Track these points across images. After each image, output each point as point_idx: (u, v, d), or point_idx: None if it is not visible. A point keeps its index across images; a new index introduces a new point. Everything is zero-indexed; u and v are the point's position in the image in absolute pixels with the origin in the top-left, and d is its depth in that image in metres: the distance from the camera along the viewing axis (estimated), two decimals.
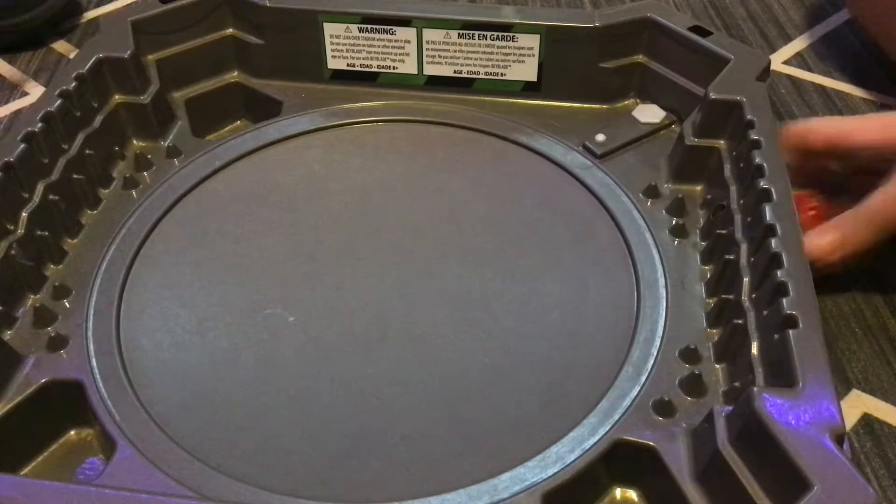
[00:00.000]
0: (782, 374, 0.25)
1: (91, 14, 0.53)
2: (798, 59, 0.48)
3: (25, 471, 0.28)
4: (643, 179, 0.36)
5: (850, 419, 0.31)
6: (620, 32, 0.39)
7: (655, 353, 0.29)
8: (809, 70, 0.47)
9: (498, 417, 0.28)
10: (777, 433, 0.23)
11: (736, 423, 0.24)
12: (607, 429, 0.27)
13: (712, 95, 0.35)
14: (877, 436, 0.30)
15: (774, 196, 0.30)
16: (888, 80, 0.46)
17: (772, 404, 0.23)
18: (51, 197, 0.33)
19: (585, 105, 0.41)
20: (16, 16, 0.48)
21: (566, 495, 0.26)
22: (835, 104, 0.45)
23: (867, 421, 0.31)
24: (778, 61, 0.48)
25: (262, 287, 0.33)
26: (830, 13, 0.51)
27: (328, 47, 0.41)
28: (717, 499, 0.25)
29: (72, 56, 0.48)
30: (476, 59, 0.40)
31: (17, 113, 0.45)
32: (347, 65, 0.41)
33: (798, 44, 0.49)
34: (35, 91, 0.47)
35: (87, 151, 0.35)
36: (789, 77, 0.47)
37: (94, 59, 0.37)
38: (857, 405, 0.31)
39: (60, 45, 0.50)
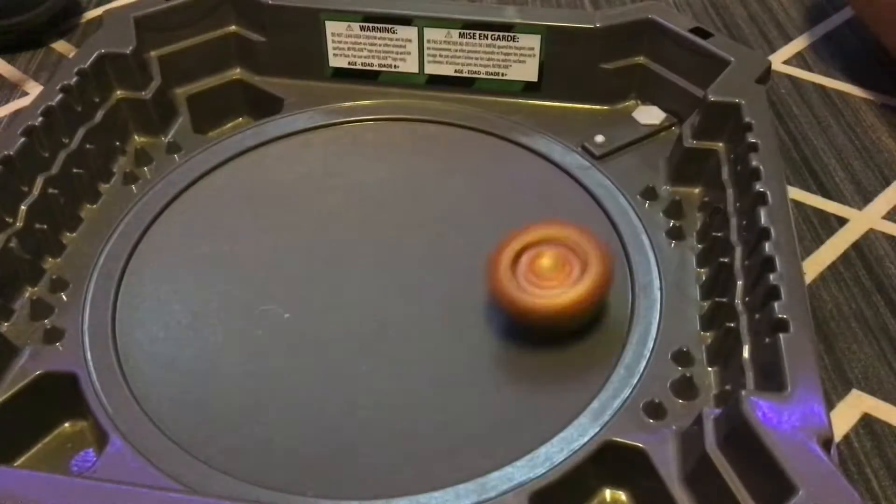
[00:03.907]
0: (772, 378, 0.25)
1: (91, 14, 0.53)
2: (798, 59, 0.48)
3: (19, 462, 0.28)
4: (641, 181, 0.36)
5: (850, 419, 0.31)
6: (621, 33, 0.39)
7: (648, 355, 0.29)
8: (809, 70, 0.47)
9: (488, 416, 0.28)
10: (764, 437, 0.23)
11: (724, 426, 0.24)
12: (597, 430, 0.27)
13: (711, 97, 0.35)
14: (877, 436, 0.30)
15: (770, 199, 0.30)
16: (888, 80, 0.46)
17: (760, 408, 0.23)
18: (50, 191, 0.33)
19: (585, 106, 0.41)
20: (16, 16, 0.48)
21: (554, 496, 0.26)
22: (835, 104, 0.45)
23: (867, 421, 0.31)
24: (778, 61, 0.48)
25: (258, 283, 0.33)
26: (830, 13, 0.51)
27: (330, 45, 0.41)
28: (705, 501, 0.25)
29: (72, 56, 0.49)
30: (477, 58, 0.40)
31: (16, 113, 0.45)
32: (349, 63, 0.42)
33: (798, 44, 0.49)
34: (35, 91, 0.47)
35: (88, 146, 0.36)
36: (789, 77, 0.47)
37: (95, 54, 0.37)
38: (857, 405, 0.31)
39: (60, 45, 0.50)
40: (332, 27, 0.41)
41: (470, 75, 0.41)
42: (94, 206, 0.36)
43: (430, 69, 0.41)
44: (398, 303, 0.32)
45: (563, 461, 0.26)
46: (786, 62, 0.48)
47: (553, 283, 0.29)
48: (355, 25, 0.41)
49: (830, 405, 0.31)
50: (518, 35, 0.40)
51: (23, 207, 0.32)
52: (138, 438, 0.27)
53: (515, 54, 0.40)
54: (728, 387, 0.28)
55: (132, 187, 0.37)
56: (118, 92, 0.38)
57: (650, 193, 0.36)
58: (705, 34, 0.38)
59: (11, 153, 0.32)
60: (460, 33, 0.40)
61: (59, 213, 0.34)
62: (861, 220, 0.39)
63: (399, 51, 0.41)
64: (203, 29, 0.41)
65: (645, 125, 0.39)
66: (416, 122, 0.40)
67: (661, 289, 0.32)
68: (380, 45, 0.41)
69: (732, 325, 0.28)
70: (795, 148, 0.42)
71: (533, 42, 0.40)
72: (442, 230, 0.35)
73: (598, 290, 0.29)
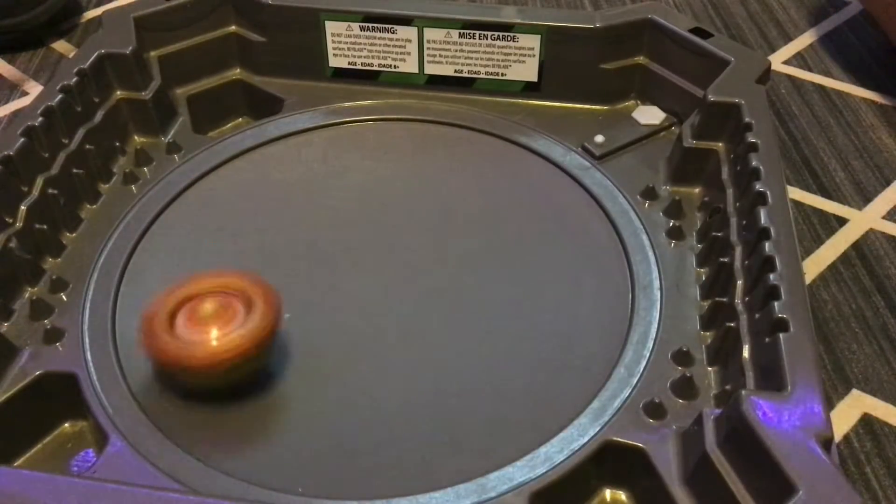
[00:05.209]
0: (772, 378, 0.25)
1: (91, 14, 0.53)
2: (798, 59, 0.48)
3: (19, 462, 0.28)
4: (641, 181, 0.36)
5: (850, 419, 0.31)
6: (621, 33, 0.39)
7: (648, 354, 0.29)
8: (809, 70, 0.47)
9: (488, 417, 0.28)
10: (764, 437, 0.23)
11: (724, 426, 0.24)
12: (597, 430, 0.27)
13: (711, 97, 0.35)
14: (877, 436, 0.30)
15: (770, 199, 0.30)
16: (888, 80, 0.46)
17: (760, 408, 0.23)
18: (50, 191, 0.33)
19: (585, 106, 0.41)
20: (16, 16, 0.48)
21: (554, 496, 0.26)
22: (835, 104, 0.45)
23: (867, 421, 0.31)
24: (778, 61, 0.48)
25: None
26: (830, 13, 0.51)
27: (329, 45, 0.41)
28: (705, 501, 0.24)
29: (72, 56, 0.49)
30: (477, 58, 0.40)
31: (16, 113, 0.45)
32: (349, 63, 0.42)
33: (798, 44, 0.49)
34: (35, 91, 0.47)
35: (88, 146, 0.36)
36: (789, 77, 0.47)
37: (95, 54, 0.37)
38: (857, 405, 0.31)
39: (60, 45, 0.50)
40: (332, 27, 0.41)
41: (470, 75, 0.41)
42: (94, 206, 0.36)
43: (430, 69, 0.41)
44: (398, 303, 0.32)
45: (563, 461, 0.26)
46: (786, 62, 0.48)
47: (215, 328, 0.27)
48: (355, 25, 0.41)
49: (830, 405, 0.31)
50: (518, 35, 0.40)
51: (23, 207, 0.32)
52: (138, 438, 0.27)
53: (515, 54, 0.40)
54: (728, 387, 0.28)
55: (132, 187, 0.37)
56: (118, 92, 0.38)
57: (650, 193, 0.36)
58: (705, 34, 0.38)
59: (11, 153, 0.32)
60: (460, 33, 0.40)
61: (59, 213, 0.34)
62: (861, 220, 0.39)
63: (399, 51, 0.41)
64: (203, 29, 0.41)
65: (645, 125, 0.39)
66: (416, 122, 0.40)
67: (661, 289, 0.32)
68: (380, 45, 0.41)
69: (732, 324, 0.28)
70: (795, 148, 0.42)
71: (533, 42, 0.40)
72: (441, 230, 0.35)
73: (265, 331, 0.27)
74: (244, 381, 0.28)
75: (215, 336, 0.27)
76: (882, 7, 0.44)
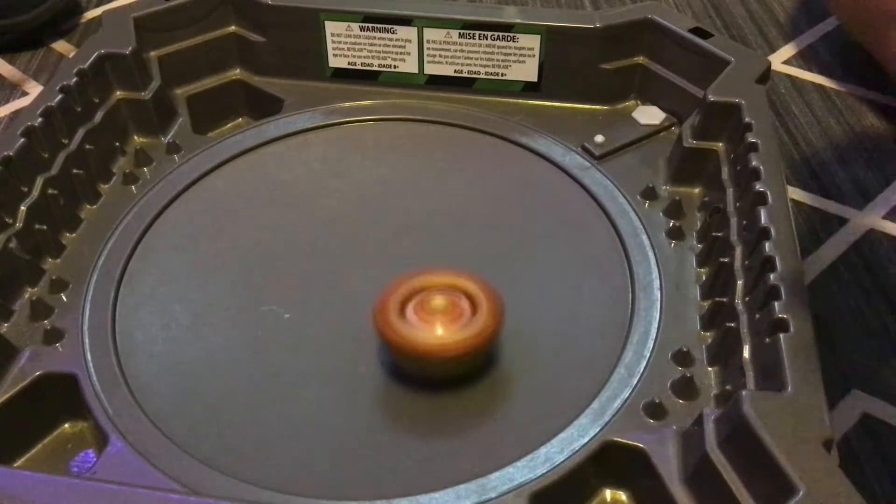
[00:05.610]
0: (773, 378, 0.25)
1: (91, 14, 0.53)
2: (798, 59, 0.48)
3: (19, 463, 0.28)
4: (641, 181, 0.36)
5: (850, 419, 0.31)
6: (621, 33, 0.39)
7: (648, 355, 0.29)
8: (809, 70, 0.47)
9: (488, 416, 0.28)
10: (764, 437, 0.23)
11: (725, 426, 0.24)
12: (597, 430, 0.27)
13: (711, 97, 0.35)
14: (877, 436, 0.30)
15: (770, 199, 0.30)
16: (888, 81, 0.46)
17: (760, 408, 0.23)
18: (50, 191, 0.33)
19: (585, 106, 0.41)
20: (16, 16, 0.48)
21: (555, 496, 0.26)
22: (835, 104, 0.45)
23: (867, 421, 0.31)
24: (778, 61, 0.48)
25: (258, 284, 0.33)
26: (830, 13, 0.51)
27: (329, 46, 0.41)
28: (705, 502, 0.24)
29: (72, 56, 0.49)
30: (476, 58, 0.40)
31: (16, 113, 0.45)
32: (348, 63, 0.42)
33: (798, 44, 0.49)
34: (35, 91, 0.47)
35: (88, 146, 0.36)
36: (789, 77, 0.47)
37: (95, 54, 0.37)
38: (857, 405, 0.31)
39: (60, 45, 0.50)
40: (331, 27, 0.41)
41: (470, 75, 0.41)
42: (94, 206, 0.36)
43: (430, 69, 0.41)
44: None
45: (563, 461, 0.26)
46: (786, 62, 0.48)
47: (444, 322, 0.28)
48: (355, 26, 0.41)
49: (830, 405, 0.31)
50: (518, 35, 0.40)
51: (22, 208, 0.32)
52: (138, 438, 0.27)
53: (515, 54, 0.40)
54: (728, 387, 0.28)
55: (132, 187, 0.37)
56: (118, 92, 0.38)
57: (650, 193, 0.36)
58: (705, 34, 0.38)
59: (11, 153, 0.32)
60: (460, 33, 0.40)
61: (58, 213, 0.34)
62: (861, 220, 0.39)
63: (399, 51, 0.41)
64: (203, 29, 0.41)
65: (645, 125, 0.39)
66: (416, 122, 0.40)
67: (661, 289, 0.32)
68: (379, 45, 0.41)
69: (732, 325, 0.28)
70: (795, 148, 0.42)
71: (533, 42, 0.40)
72: (442, 230, 0.35)
73: (489, 331, 0.28)
74: (460, 375, 0.29)
75: (441, 328, 0.28)
76: (858, 26, 0.44)
